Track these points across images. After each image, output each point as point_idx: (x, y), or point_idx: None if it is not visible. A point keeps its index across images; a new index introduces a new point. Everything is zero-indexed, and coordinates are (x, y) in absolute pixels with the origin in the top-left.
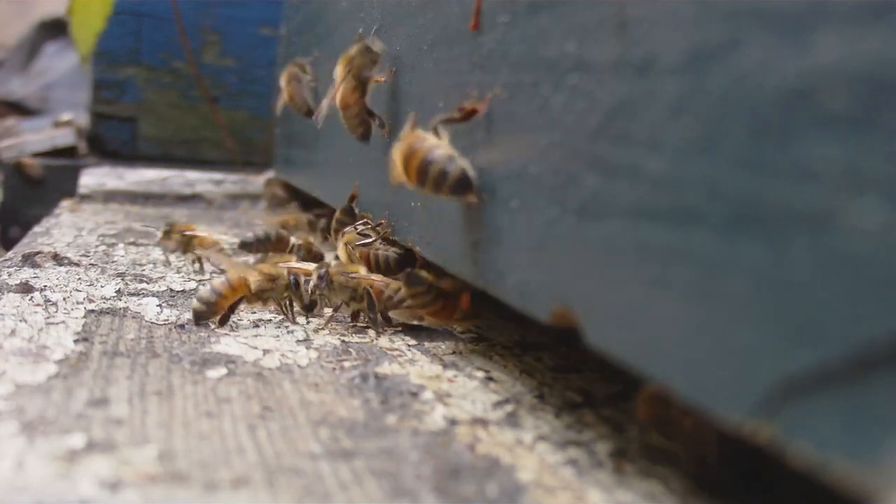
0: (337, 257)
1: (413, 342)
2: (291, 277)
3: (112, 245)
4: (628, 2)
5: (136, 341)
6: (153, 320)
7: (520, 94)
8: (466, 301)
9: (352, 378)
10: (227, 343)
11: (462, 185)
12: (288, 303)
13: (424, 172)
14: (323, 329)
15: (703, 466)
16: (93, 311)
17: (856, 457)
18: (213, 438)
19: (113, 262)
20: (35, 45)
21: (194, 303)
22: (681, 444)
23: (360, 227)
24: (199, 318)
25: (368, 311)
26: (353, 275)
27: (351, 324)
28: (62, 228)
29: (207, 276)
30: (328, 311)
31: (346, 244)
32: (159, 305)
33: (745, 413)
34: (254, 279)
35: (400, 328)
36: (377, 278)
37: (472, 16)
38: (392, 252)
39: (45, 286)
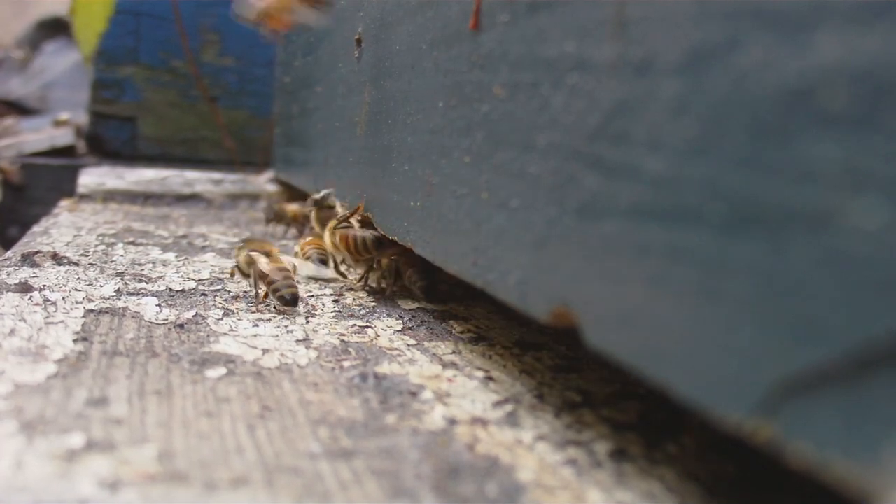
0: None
1: (413, 342)
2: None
3: (111, 244)
4: (628, 2)
5: (136, 341)
6: (152, 320)
7: (520, 94)
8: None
9: (351, 378)
10: (226, 343)
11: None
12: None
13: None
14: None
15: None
16: (92, 310)
17: (856, 457)
18: (213, 438)
19: (112, 261)
20: (34, 44)
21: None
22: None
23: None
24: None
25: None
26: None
27: (351, 324)
28: (61, 228)
29: None
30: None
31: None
32: (158, 305)
33: (744, 413)
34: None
35: (401, 328)
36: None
37: (472, 15)
38: (369, 234)
39: (44, 286)
